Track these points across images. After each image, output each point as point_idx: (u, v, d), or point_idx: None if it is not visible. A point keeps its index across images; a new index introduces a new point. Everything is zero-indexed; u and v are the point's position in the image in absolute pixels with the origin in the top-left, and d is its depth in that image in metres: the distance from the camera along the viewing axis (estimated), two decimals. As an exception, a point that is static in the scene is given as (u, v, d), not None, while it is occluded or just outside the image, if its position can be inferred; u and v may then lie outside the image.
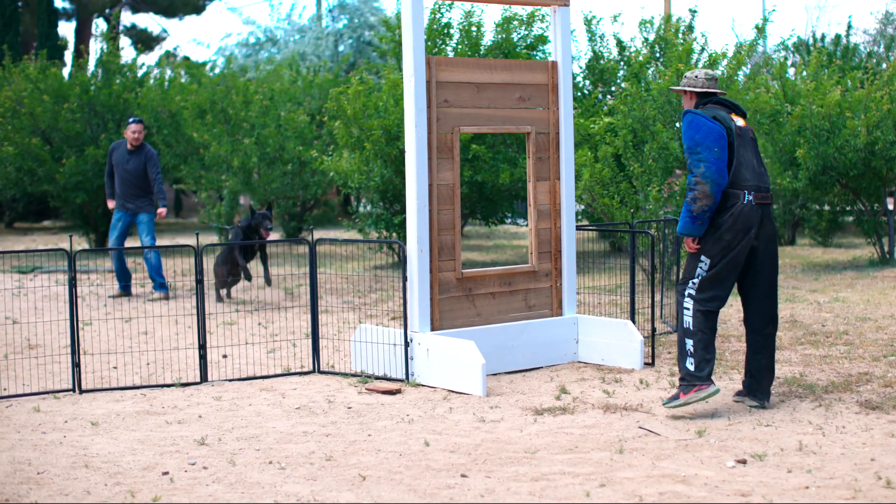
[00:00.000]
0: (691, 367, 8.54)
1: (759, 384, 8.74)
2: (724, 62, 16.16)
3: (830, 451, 7.44)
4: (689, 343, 8.57)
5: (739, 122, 8.71)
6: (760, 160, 8.76)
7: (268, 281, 14.64)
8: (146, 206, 15.67)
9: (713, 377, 9.42)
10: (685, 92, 8.99)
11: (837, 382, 9.36)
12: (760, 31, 16.82)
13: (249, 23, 42.08)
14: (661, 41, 18.79)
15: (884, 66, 22.81)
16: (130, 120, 15.76)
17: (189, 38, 76.72)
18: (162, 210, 15.70)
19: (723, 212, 8.51)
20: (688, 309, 8.61)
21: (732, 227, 8.46)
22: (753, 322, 8.81)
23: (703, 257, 8.57)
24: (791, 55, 25.62)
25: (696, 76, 8.90)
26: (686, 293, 8.64)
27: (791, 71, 20.42)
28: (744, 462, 7.20)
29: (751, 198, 8.46)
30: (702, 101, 8.86)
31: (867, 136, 16.46)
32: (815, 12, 48.37)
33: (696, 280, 8.60)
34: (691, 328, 8.58)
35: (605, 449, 7.60)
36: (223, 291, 15.32)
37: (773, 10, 17.66)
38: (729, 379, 9.77)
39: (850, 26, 26.09)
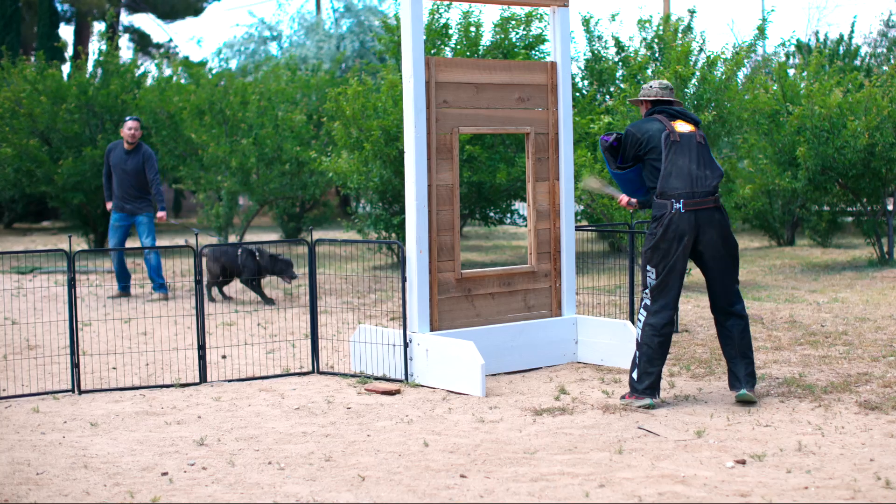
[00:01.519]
0: (634, 377, 8.87)
1: (734, 375, 8.89)
2: (722, 63, 16.14)
3: (830, 451, 7.44)
4: (637, 354, 8.86)
5: (686, 128, 8.86)
6: (708, 163, 8.85)
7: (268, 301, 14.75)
8: (145, 206, 15.65)
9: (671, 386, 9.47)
10: (641, 102, 9.29)
11: (837, 383, 9.36)
12: (761, 31, 16.82)
13: (254, 16, 42.17)
14: (660, 40, 18.78)
15: (885, 68, 22.80)
16: (127, 118, 15.74)
17: (188, 38, 76.83)
18: (162, 214, 15.69)
19: (654, 221, 8.76)
20: (640, 321, 8.90)
21: (664, 236, 8.67)
22: (717, 316, 9.02)
23: (648, 267, 8.83)
24: (792, 56, 25.62)
25: (651, 86, 9.21)
26: (643, 303, 8.89)
27: (791, 72, 20.39)
28: (743, 462, 7.20)
29: (679, 206, 8.62)
30: (652, 109, 9.12)
31: (867, 138, 16.46)
32: (815, 13, 48.37)
33: (647, 290, 8.84)
34: (639, 340, 8.87)
35: (605, 449, 7.60)
36: (215, 290, 15.32)
37: (773, 11, 17.65)
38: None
39: (853, 27, 26.08)
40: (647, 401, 8.71)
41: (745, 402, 8.74)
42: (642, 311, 8.87)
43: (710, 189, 8.71)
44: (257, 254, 14.89)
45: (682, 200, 8.60)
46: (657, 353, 8.77)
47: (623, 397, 8.91)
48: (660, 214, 8.69)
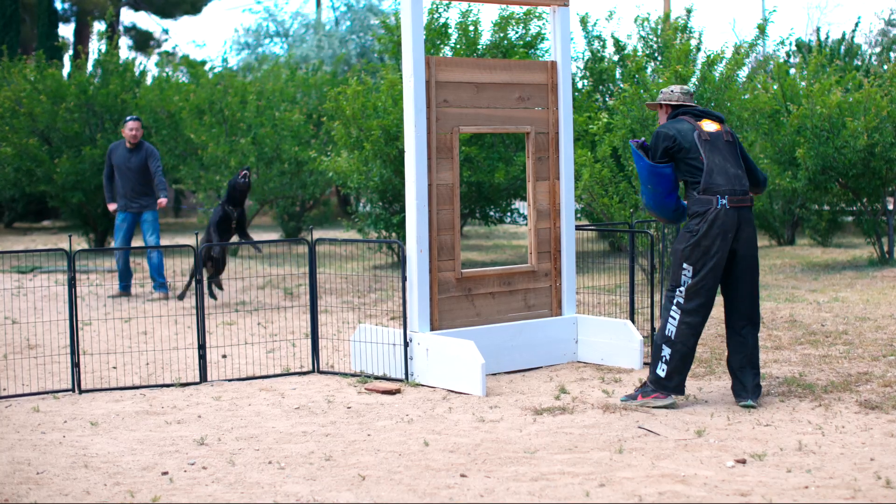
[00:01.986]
0: (661, 374, 8.75)
1: (741, 384, 8.79)
2: (722, 63, 16.14)
3: (830, 450, 7.44)
4: (667, 351, 8.74)
5: (712, 126, 8.83)
6: (739, 162, 8.84)
7: (257, 249, 14.56)
8: (151, 204, 15.65)
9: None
10: (660, 106, 9.22)
11: (837, 382, 9.36)
12: (762, 30, 16.80)
13: (258, 12, 42.17)
14: (658, 38, 18.77)
15: (885, 67, 22.78)
16: (128, 118, 15.74)
17: (188, 38, 76.83)
18: (162, 200, 15.61)
19: (697, 218, 8.64)
20: (673, 318, 8.74)
21: (708, 232, 8.57)
22: (733, 323, 8.91)
23: (684, 265, 8.70)
24: (793, 56, 25.60)
25: (672, 90, 9.14)
26: (675, 301, 8.76)
27: (791, 71, 20.37)
28: (743, 462, 7.20)
29: (724, 202, 8.56)
30: (674, 112, 9.05)
31: (867, 139, 16.45)
32: (816, 13, 48.34)
33: (682, 288, 8.71)
34: (673, 338, 8.74)
35: (605, 449, 7.60)
36: (213, 287, 15.22)
37: (774, 10, 17.64)
38: (728, 379, 9.75)
39: (857, 25, 26.06)
40: (672, 400, 8.67)
41: (747, 406, 8.73)
42: (675, 309, 8.73)
43: (745, 188, 8.71)
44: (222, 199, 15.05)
45: (726, 197, 8.57)
46: (692, 353, 8.74)
47: (634, 397, 8.79)
48: (703, 210, 8.60)
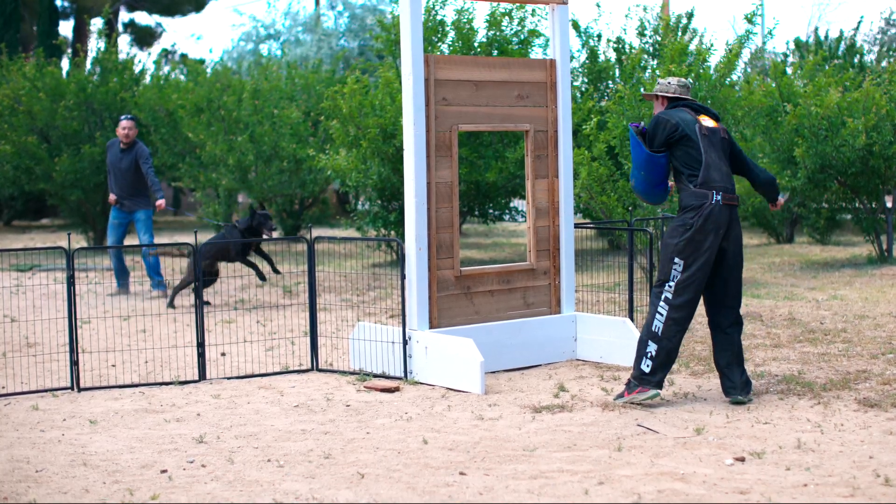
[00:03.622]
0: (645, 370, 8.73)
1: (731, 381, 8.78)
2: (713, 58, 16.16)
3: (829, 448, 7.44)
4: (653, 347, 8.72)
5: (709, 123, 8.81)
6: (728, 162, 8.82)
7: (274, 270, 14.57)
8: (143, 204, 15.66)
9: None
10: (657, 97, 9.18)
11: (836, 380, 9.36)
12: (750, 20, 16.75)
13: (251, 18, 42.12)
14: (655, 33, 18.78)
15: (884, 63, 22.78)
16: (122, 118, 15.74)
17: (188, 35, 76.78)
18: (160, 202, 15.61)
19: (691, 211, 8.63)
20: (661, 314, 8.72)
21: (703, 227, 8.56)
22: (719, 321, 8.91)
23: (676, 259, 8.67)
24: (791, 55, 25.59)
25: (669, 82, 9.10)
26: (662, 296, 8.73)
27: (788, 70, 20.38)
28: (742, 460, 7.21)
29: (719, 198, 8.57)
30: (671, 105, 9.02)
31: (866, 138, 16.46)
32: (816, 12, 48.40)
33: (671, 283, 8.69)
34: (659, 334, 8.72)
35: (604, 447, 7.60)
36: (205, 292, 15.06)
37: (762, 4, 17.61)
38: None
39: (859, 24, 26.06)
40: (656, 391, 8.66)
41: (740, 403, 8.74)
42: (662, 304, 8.71)
43: (734, 186, 8.74)
44: (241, 223, 14.86)
45: (721, 193, 8.57)
46: (676, 349, 8.74)
47: (622, 395, 8.81)
48: (699, 204, 8.57)
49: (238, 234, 14.69)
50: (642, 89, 15.92)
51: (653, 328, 8.73)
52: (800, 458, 7.24)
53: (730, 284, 8.83)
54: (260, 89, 22.76)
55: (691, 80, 15.69)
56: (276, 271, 14.64)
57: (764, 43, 24.78)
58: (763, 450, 7.41)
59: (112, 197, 15.76)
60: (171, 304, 14.47)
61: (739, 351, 8.85)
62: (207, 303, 14.84)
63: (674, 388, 9.33)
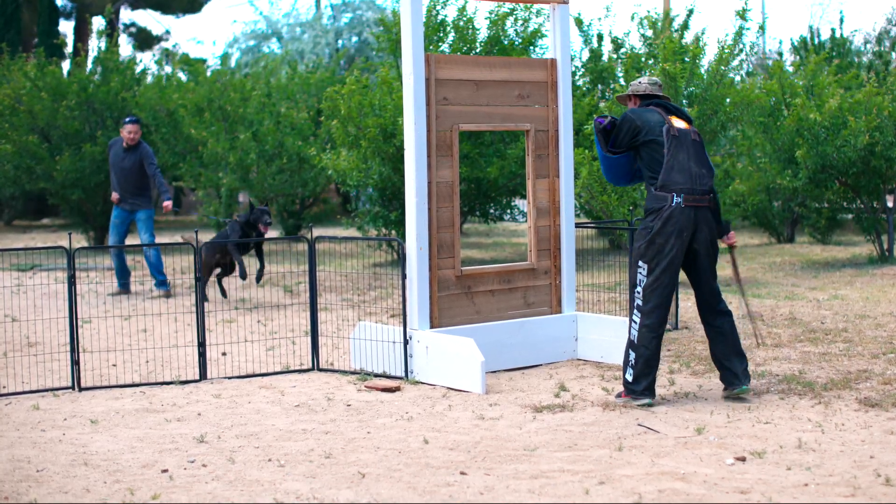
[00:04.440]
0: (629, 378, 8.78)
1: (732, 371, 8.80)
2: (706, 56, 16.15)
3: (829, 448, 7.45)
4: (633, 356, 8.75)
5: (681, 124, 8.82)
6: (705, 162, 8.81)
7: (258, 277, 14.40)
8: (144, 203, 15.65)
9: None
10: (629, 97, 9.25)
11: (836, 380, 9.36)
12: (742, 15, 16.73)
13: (259, 13, 42.14)
14: (653, 30, 18.78)
15: (892, 66, 22.79)
16: (126, 120, 15.72)
17: (188, 36, 76.82)
18: (167, 203, 15.60)
19: (651, 215, 8.66)
20: (635, 322, 8.77)
21: (662, 230, 8.56)
22: (705, 317, 8.99)
23: (640, 263, 8.73)
24: (792, 54, 25.60)
25: (640, 82, 9.16)
26: (635, 303, 8.77)
27: (789, 68, 20.39)
28: (743, 459, 7.21)
29: (679, 200, 8.55)
30: (645, 103, 9.05)
31: (868, 139, 16.45)
32: (817, 10, 48.31)
33: (639, 289, 8.73)
34: (635, 342, 8.76)
35: (605, 446, 7.60)
36: (211, 287, 15.12)
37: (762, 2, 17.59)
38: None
39: (842, 20, 26.06)
40: (646, 400, 8.69)
41: (741, 398, 8.74)
42: (636, 312, 8.76)
43: (707, 188, 8.69)
44: (241, 217, 14.75)
45: (682, 195, 8.55)
46: (655, 355, 8.73)
47: (618, 396, 8.89)
48: (658, 207, 8.60)
49: (239, 228, 14.64)
50: (610, 96, 15.91)
51: (630, 336, 8.79)
52: (801, 457, 7.24)
53: (704, 285, 8.87)
54: (267, 86, 22.76)
55: (685, 80, 15.67)
56: (258, 278, 14.40)
57: (757, 38, 24.75)
58: (764, 449, 7.41)
59: (115, 195, 15.73)
60: (204, 298, 14.10)
61: (733, 340, 8.85)
62: (224, 293, 15.11)
63: (675, 388, 9.33)
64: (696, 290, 8.94)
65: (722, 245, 9.24)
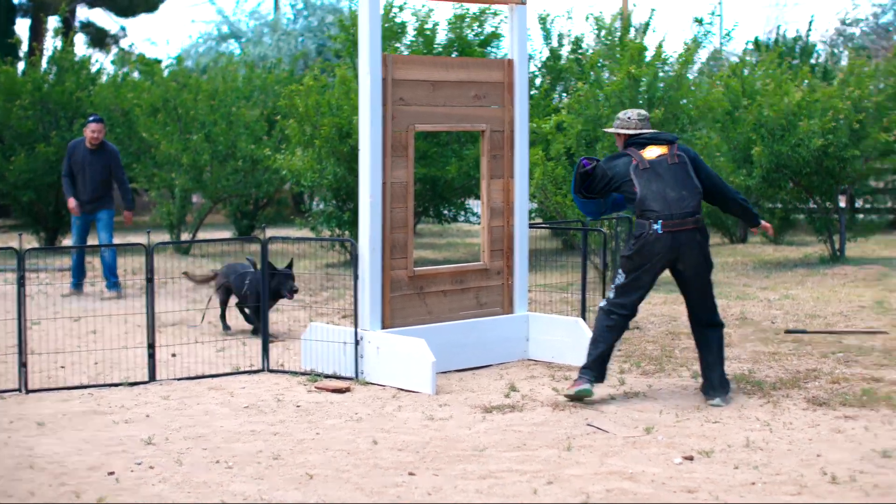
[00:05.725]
0: (584, 363, 9.03)
1: (709, 381, 8.92)
2: (673, 60, 16.21)
3: (777, 447, 7.48)
4: (591, 348, 9.02)
5: (655, 152, 8.97)
6: (686, 184, 8.90)
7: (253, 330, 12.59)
8: (107, 203, 15.48)
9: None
10: (618, 134, 9.37)
11: (786, 379, 9.42)
12: (700, 22, 16.82)
13: (218, 13, 41.92)
14: (611, 36, 18.83)
15: (843, 63, 22.96)
16: (90, 119, 15.53)
17: (145, 35, 76.52)
18: (128, 214, 15.49)
19: (633, 239, 8.90)
20: (601, 317, 9.01)
21: (639, 252, 8.80)
22: (694, 326, 9.15)
23: (619, 270, 9.01)
24: (750, 54, 25.73)
25: (629, 118, 9.28)
26: (607, 297, 9.07)
27: (746, 70, 20.45)
28: (691, 459, 7.23)
29: (657, 227, 8.72)
30: (627, 142, 9.21)
31: (823, 140, 16.55)
32: (774, 12, 48.60)
33: (614, 285, 9.01)
34: (596, 336, 9.02)
35: (554, 446, 7.61)
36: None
37: (715, 13, 17.66)
38: (678, 376, 9.83)
39: (811, 24, 26.24)
40: (584, 386, 8.80)
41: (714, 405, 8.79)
42: (603, 301, 9.07)
43: (689, 210, 8.76)
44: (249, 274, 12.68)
45: (660, 221, 8.70)
46: (601, 334, 8.94)
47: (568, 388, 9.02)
48: (638, 234, 8.81)
49: (253, 281, 12.40)
50: (597, 91, 15.91)
51: (595, 330, 9.08)
52: (748, 456, 7.27)
53: (695, 301, 9.04)
54: (217, 89, 22.64)
55: (646, 83, 15.72)
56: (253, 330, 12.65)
57: (722, 45, 24.85)
58: (712, 448, 7.44)
59: (72, 203, 15.44)
60: (226, 327, 12.93)
61: (720, 352, 8.98)
62: (227, 327, 13.02)
63: (624, 388, 9.35)
64: (687, 304, 9.13)
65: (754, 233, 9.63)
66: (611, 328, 8.93)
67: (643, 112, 9.27)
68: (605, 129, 9.92)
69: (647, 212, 8.74)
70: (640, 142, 9.08)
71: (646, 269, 8.79)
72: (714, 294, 9.09)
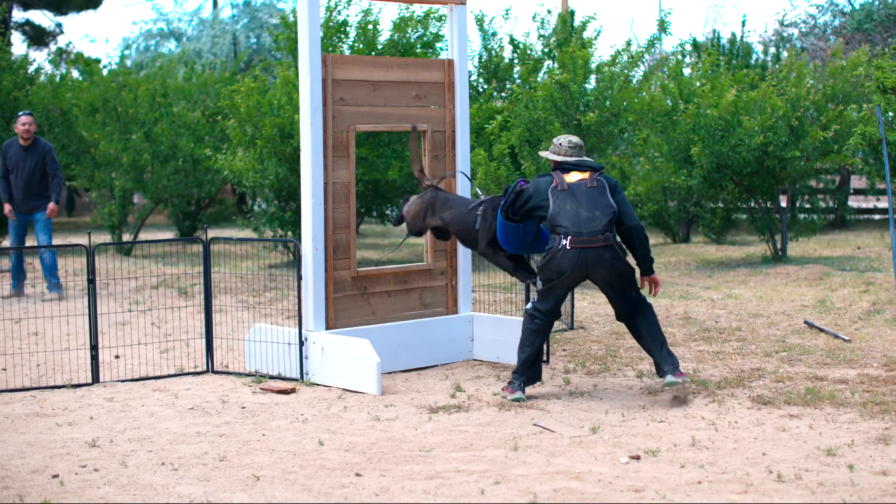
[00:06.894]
0: (514, 367, 9.26)
1: (656, 364, 8.99)
2: (619, 62, 16.26)
3: (723, 445, 7.52)
4: (520, 352, 9.18)
5: (577, 177, 9.12)
6: (597, 205, 8.96)
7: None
8: (43, 203, 15.33)
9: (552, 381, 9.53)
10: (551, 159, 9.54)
11: (730, 378, 9.46)
12: (662, 27, 16.92)
13: (156, 11, 41.74)
14: (556, 37, 18.88)
15: (779, 64, 23.09)
16: (20, 113, 15.39)
17: (83, 34, 75.84)
18: (52, 206, 15.31)
19: (546, 252, 9.04)
20: (526, 321, 9.19)
21: (547, 264, 8.96)
22: (620, 320, 9.27)
23: (537, 279, 9.19)
24: (689, 55, 25.89)
25: (560, 144, 9.42)
26: (531, 301, 9.27)
27: (687, 71, 20.58)
28: (637, 458, 7.26)
29: (565, 243, 8.86)
30: (555, 166, 9.35)
31: (762, 138, 16.67)
32: (712, 13, 48.93)
33: (537, 290, 9.17)
34: (524, 341, 9.18)
35: (500, 446, 7.61)
36: None
37: (670, 12, 17.74)
38: (623, 376, 9.86)
39: (744, 24, 26.39)
40: (516, 395, 8.98)
41: (677, 395, 8.82)
42: (529, 305, 9.23)
43: (598, 229, 8.85)
44: None
45: (568, 237, 8.81)
46: (527, 338, 9.10)
47: (502, 390, 9.17)
48: (549, 247, 8.95)
49: None
50: (531, 91, 15.93)
51: (522, 335, 9.22)
52: (694, 455, 7.31)
53: (615, 304, 9.13)
54: (156, 89, 22.49)
55: (589, 85, 15.76)
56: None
57: (673, 51, 24.98)
58: (658, 448, 7.47)
59: (8, 208, 15.29)
60: None
61: (652, 330, 9.02)
62: None
63: (570, 388, 9.38)
64: (611, 304, 9.21)
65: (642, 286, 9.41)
66: (535, 332, 9.10)
67: (575, 139, 9.37)
68: (540, 153, 10.04)
69: (557, 227, 8.90)
70: (565, 168, 9.23)
71: (556, 281, 8.93)
72: (637, 292, 9.10)
